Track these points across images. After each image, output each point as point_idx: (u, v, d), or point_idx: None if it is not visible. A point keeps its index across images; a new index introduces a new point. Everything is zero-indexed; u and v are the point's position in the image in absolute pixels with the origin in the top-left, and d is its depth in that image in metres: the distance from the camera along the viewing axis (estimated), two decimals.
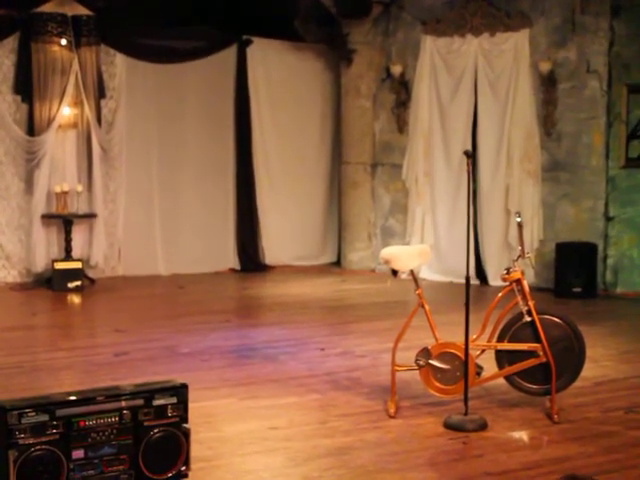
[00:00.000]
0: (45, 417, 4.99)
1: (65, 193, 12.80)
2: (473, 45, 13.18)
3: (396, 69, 13.89)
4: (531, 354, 6.72)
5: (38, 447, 4.93)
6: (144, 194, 13.82)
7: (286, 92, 14.78)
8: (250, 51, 14.43)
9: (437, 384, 6.77)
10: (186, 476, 5.30)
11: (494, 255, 12.96)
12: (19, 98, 12.94)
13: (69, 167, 13.15)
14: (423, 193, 13.62)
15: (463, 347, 6.57)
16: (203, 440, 6.04)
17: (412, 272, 6.90)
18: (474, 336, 6.82)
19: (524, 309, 6.74)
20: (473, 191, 12.90)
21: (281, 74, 14.73)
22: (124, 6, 13.13)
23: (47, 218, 12.90)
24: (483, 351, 6.91)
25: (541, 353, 6.67)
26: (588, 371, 7.31)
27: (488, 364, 6.95)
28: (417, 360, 6.79)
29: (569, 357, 6.81)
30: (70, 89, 12.94)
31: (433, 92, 13.52)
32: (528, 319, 6.73)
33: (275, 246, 14.74)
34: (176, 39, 13.85)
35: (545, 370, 6.68)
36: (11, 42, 12.85)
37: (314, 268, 14.70)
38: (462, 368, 6.59)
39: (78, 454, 5.06)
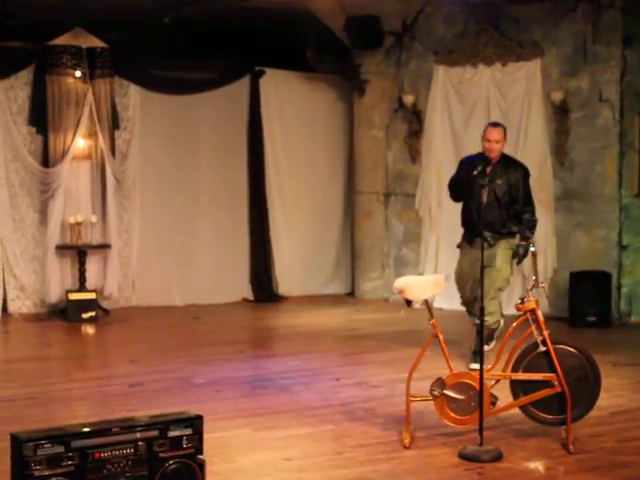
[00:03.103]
0: (60, 448, 5.00)
1: (79, 224, 12.85)
2: (485, 75, 13.22)
3: (408, 99, 13.92)
4: (546, 384, 6.70)
5: (54, 479, 4.94)
6: (158, 225, 13.85)
7: (299, 122, 14.83)
8: (263, 82, 14.49)
9: (452, 414, 6.75)
10: None
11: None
12: (34, 130, 13.03)
13: (83, 198, 13.21)
14: (437, 222, 13.62)
15: (478, 377, 6.56)
16: (218, 471, 6.03)
17: (426, 302, 6.90)
18: (489, 366, 6.81)
19: (539, 339, 6.74)
20: None
21: (294, 104, 14.78)
22: (138, 38, 13.22)
23: (61, 249, 12.95)
24: (498, 381, 6.90)
25: (556, 383, 6.65)
26: (603, 401, 7.28)
27: (503, 394, 6.94)
28: (432, 390, 6.78)
29: (584, 387, 6.79)
30: (84, 120, 13.01)
31: (446, 122, 13.56)
32: (543, 349, 6.72)
33: (288, 276, 14.73)
34: (189, 70, 13.92)
35: (560, 400, 6.66)
36: (26, 74, 12.95)
37: (328, 298, 14.68)
38: (477, 398, 6.57)
39: None
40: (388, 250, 14.42)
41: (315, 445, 6.77)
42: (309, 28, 14.05)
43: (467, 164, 9.20)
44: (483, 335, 6.89)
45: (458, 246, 9.53)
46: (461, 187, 9.20)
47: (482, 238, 7.07)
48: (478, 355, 7.40)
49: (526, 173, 9.35)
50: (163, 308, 13.59)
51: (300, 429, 7.18)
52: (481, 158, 9.15)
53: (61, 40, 12.87)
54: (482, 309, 6.69)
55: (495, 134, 9.12)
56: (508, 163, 9.30)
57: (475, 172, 8.28)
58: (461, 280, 9.42)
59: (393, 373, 9.01)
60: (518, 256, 9.00)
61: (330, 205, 15.21)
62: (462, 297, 9.52)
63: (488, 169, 9.03)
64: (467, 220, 9.32)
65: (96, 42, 13.05)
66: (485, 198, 8.33)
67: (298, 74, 14.82)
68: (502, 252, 9.13)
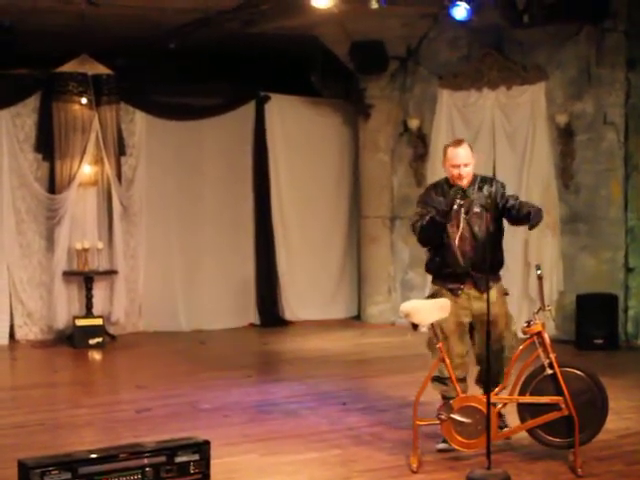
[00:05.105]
0: (68, 475, 5.02)
1: (86, 250, 12.88)
2: (490, 98, 13.25)
3: (413, 123, 13.97)
4: (553, 407, 6.68)
5: None
6: (164, 250, 13.88)
7: (304, 147, 14.87)
8: (268, 107, 14.53)
9: (459, 438, 6.74)
10: None
11: (514, 307, 12.91)
12: (40, 157, 13.09)
13: (90, 224, 13.25)
14: None
15: (485, 400, 6.55)
16: None
17: (432, 326, 6.89)
18: (496, 389, 6.80)
19: (545, 362, 6.72)
20: None
21: (299, 129, 14.82)
22: (143, 65, 13.30)
23: (68, 275, 12.97)
24: (505, 404, 6.89)
25: (563, 406, 6.63)
26: (611, 424, 7.26)
27: (510, 417, 6.92)
28: (439, 414, 6.77)
29: (592, 410, 6.77)
30: (90, 147, 13.07)
31: None
32: (550, 372, 6.70)
33: (294, 301, 14.74)
34: (195, 96, 13.98)
35: (568, 423, 6.64)
36: (33, 101, 13.03)
37: (334, 322, 14.67)
38: (484, 422, 6.56)
39: None
40: (394, 274, 14.42)
41: (322, 470, 6.76)
42: (314, 53, 14.11)
43: (435, 193, 7.28)
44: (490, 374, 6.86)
45: (430, 297, 7.38)
46: (440, 226, 7.09)
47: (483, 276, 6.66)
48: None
49: (503, 185, 7.35)
50: (170, 333, 13.59)
51: (307, 454, 7.16)
52: (449, 185, 7.25)
53: (67, 67, 12.95)
54: (488, 340, 6.67)
55: (463, 156, 7.20)
56: (482, 183, 7.29)
57: (456, 205, 6.93)
58: (446, 343, 7.04)
59: (400, 397, 8.99)
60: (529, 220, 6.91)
61: (336, 229, 15.22)
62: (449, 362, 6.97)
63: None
64: (447, 264, 7.19)
65: (102, 69, 13.12)
66: (470, 232, 7.02)
67: (303, 99, 14.88)
68: (501, 300, 7.26)
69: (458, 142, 7.35)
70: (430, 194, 7.31)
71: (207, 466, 5.47)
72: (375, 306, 14.53)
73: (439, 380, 7.12)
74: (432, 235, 7.16)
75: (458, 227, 7.05)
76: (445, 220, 7.04)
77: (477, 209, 7.12)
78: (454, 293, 7.18)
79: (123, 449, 5.36)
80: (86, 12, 11.66)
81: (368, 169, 14.54)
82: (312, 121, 14.93)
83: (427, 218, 7.08)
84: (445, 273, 7.24)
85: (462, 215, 6.99)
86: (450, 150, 7.23)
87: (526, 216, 6.93)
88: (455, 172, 7.13)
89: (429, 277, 7.41)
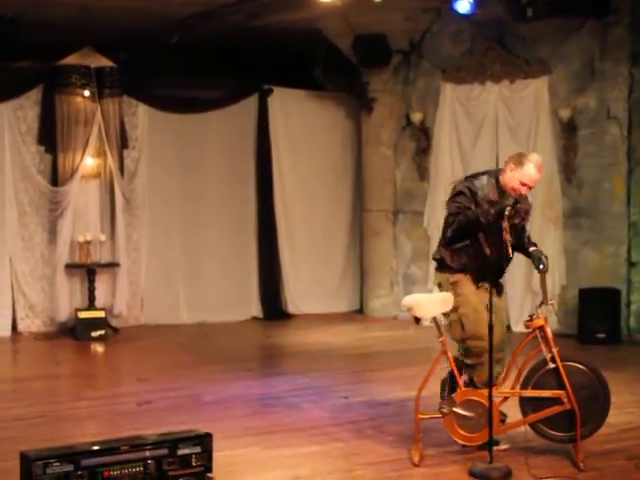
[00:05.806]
0: (70, 467, 5.02)
1: (88, 242, 12.88)
2: (493, 92, 13.23)
3: (416, 117, 13.94)
4: (555, 401, 6.68)
5: None
6: (167, 243, 13.88)
7: (307, 141, 14.85)
8: (271, 100, 14.53)
9: (461, 432, 6.74)
10: None
11: (517, 302, 12.91)
12: (43, 149, 13.08)
13: (92, 217, 13.25)
14: None
15: (487, 394, 6.55)
16: None
17: (435, 319, 6.89)
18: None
19: (548, 356, 6.72)
20: None
21: (302, 123, 14.80)
22: (146, 57, 13.27)
23: (70, 267, 12.97)
24: (507, 398, 6.88)
25: (565, 400, 6.63)
26: (613, 418, 7.25)
27: (512, 411, 6.92)
28: (441, 408, 6.77)
29: (594, 404, 6.76)
30: (93, 140, 13.06)
31: (454, 139, 13.57)
32: (552, 366, 6.70)
33: (297, 294, 14.73)
34: (197, 89, 13.98)
35: (570, 417, 6.64)
36: (35, 94, 13.02)
37: (336, 316, 14.67)
38: (486, 415, 6.56)
39: None
40: (397, 268, 14.41)
41: (324, 463, 6.76)
42: (317, 47, 14.09)
43: (477, 192, 7.06)
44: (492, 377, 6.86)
45: (453, 283, 7.15)
46: (480, 226, 6.95)
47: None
48: None
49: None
50: (172, 326, 13.59)
51: (309, 447, 7.17)
52: (496, 184, 7.07)
53: (70, 60, 12.95)
54: (490, 337, 6.66)
55: (537, 181, 7.00)
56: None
57: (507, 211, 6.67)
58: (484, 321, 6.79)
59: (402, 390, 8.99)
60: (542, 264, 6.98)
61: (338, 223, 15.21)
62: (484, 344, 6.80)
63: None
64: (477, 267, 7.06)
65: (105, 62, 13.12)
66: (508, 240, 6.76)
67: (306, 92, 14.86)
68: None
69: (541, 166, 6.97)
70: (474, 185, 7.10)
71: (209, 459, 5.47)
72: (377, 300, 14.52)
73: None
74: (468, 232, 7.02)
75: (499, 234, 6.79)
76: (488, 222, 6.83)
77: (517, 220, 7.05)
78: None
79: (125, 442, 5.36)
80: (89, 4, 11.66)
81: (371, 163, 14.53)
82: (315, 114, 14.92)
83: (472, 216, 6.92)
84: (475, 269, 7.06)
85: (505, 223, 6.74)
86: (530, 169, 6.89)
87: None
88: (519, 189, 6.92)
89: (431, 270, 7.19)
